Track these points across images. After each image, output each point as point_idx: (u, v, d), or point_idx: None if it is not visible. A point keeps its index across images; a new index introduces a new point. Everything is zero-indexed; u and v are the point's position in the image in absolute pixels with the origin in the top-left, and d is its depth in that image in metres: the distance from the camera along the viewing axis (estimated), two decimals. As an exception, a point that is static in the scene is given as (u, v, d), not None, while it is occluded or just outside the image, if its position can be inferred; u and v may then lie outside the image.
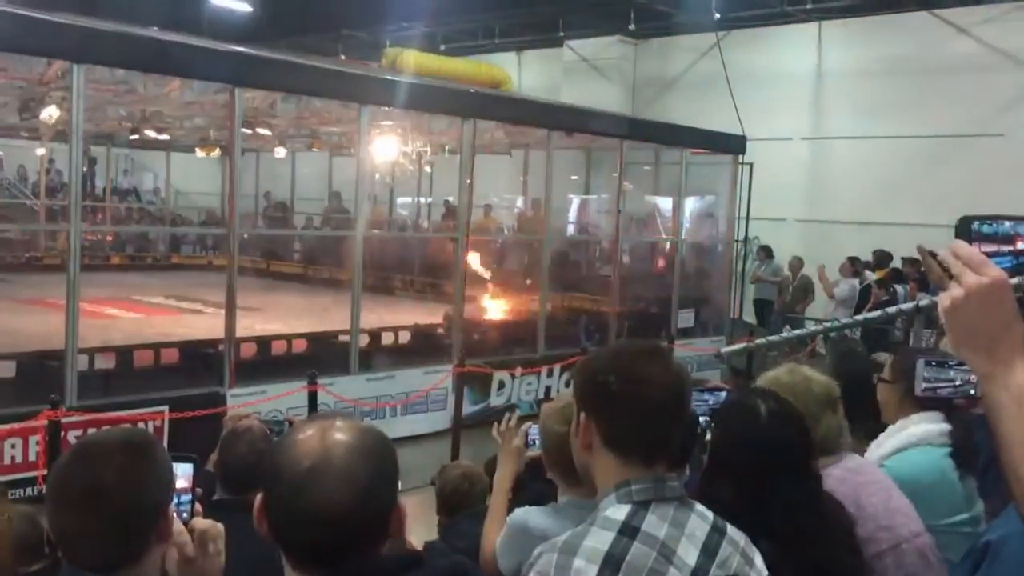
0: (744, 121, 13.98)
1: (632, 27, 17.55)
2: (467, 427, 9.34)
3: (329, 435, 1.43)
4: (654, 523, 1.69)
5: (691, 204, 14.69)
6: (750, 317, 15.63)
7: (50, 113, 10.61)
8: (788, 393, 2.46)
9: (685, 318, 13.56)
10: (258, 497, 1.46)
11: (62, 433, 6.58)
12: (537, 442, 2.92)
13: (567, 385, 10.97)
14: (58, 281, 7.95)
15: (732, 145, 14.03)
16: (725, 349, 8.71)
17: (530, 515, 2.52)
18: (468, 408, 9.83)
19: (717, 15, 15.46)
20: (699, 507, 1.78)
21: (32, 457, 6.79)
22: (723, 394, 3.00)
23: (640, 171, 15.28)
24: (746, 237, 15.83)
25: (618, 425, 1.77)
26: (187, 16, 18.19)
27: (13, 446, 6.78)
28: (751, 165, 14.91)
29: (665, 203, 15.06)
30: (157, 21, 12.53)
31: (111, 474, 1.65)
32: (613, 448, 1.77)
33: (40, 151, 19.00)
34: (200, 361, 9.23)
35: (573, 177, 16.65)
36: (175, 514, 1.75)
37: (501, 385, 10.71)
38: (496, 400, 10.64)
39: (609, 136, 12.91)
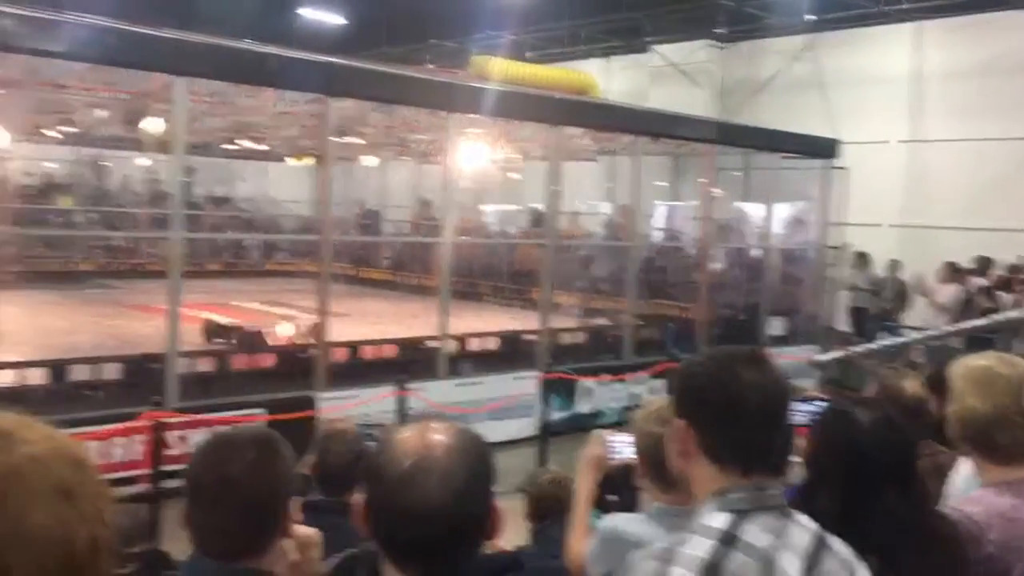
0: (837, 125, 13.66)
1: (720, 30, 17.33)
2: (554, 434, 9.35)
3: (429, 435, 1.46)
4: (754, 533, 1.66)
5: (782, 210, 14.40)
6: (844, 325, 15.23)
7: (153, 125, 11.01)
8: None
9: (776, 325, 13.30)
10: (359, 496, 1.50)
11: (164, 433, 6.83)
12: (619, 451, 2.88)
13: (654, 393, 10.88)
14: (159, 287, 8.25)
15: (824, 149, 13.71)
16: (819, 357, 8.59)
17: (623, 522, 2.51)
18: (555, 415, 9.82)
19: (809, 17, 15.14)
20: (801, 517, 1.74)
21: (136, 456, 7.05)
22: (821, 403, 2.93)
23: (729, 176, 15.06)
24: (840, 243, 15.44)
25: (717, 432, 1.74)
26: (280, 28, 18.75)
27: (119, 445, 7.06)
28: (845, 169, 14.55)
29: (755, 209, 14.79)
30: (251, 34, 12.95)
31: (242, 467, 1.75)
32: (711, 455, 1.74)
33: (143, 161, 19.78)
34: (294, 365, 9.44)
35: (660, 183, 16.51)
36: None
37: (587, 392, 10.67)
38: (582, 407, 10.61)
39: (698, 141, 12.77)
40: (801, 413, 2.75)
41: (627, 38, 18.79)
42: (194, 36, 8.55)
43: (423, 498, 1.39)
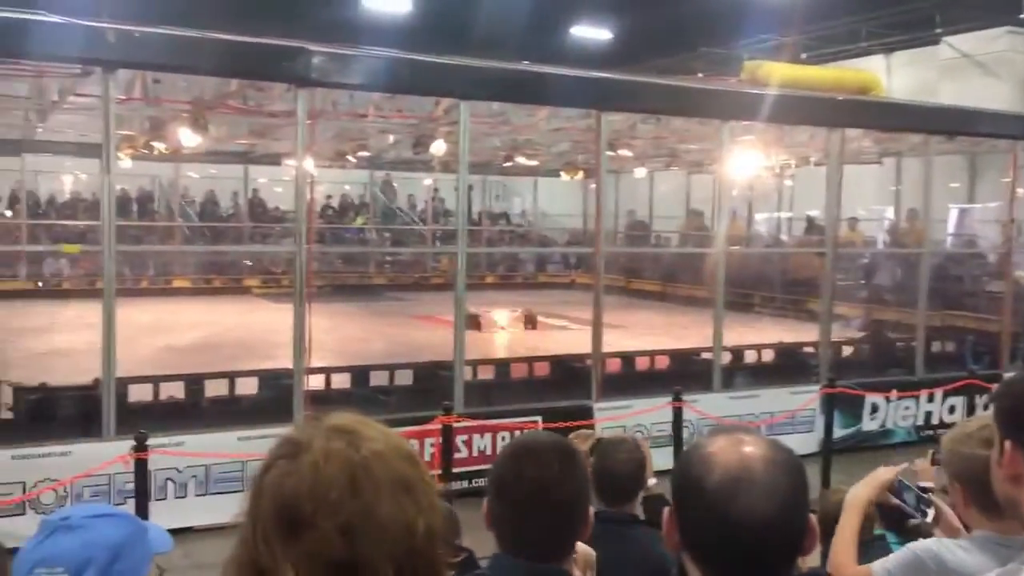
0: None
1: (1023, 16, 15.76)
2: (837, 451, 8.88)
3: (744, 448, 1.43)
4: None
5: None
6: None
7: (438, 147, 11.72)
8: None
9: (1097, 339, 11.81)
10: (667, 510, 1.50)
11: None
12: (904, 496, 2.66)
13: (951, 412, 10.05)
14: (441, 299, 8.81)
15: None
16: None
17: (945, 547, 2.33)
18: (838, 431, 9.33)
19: None
20: None
21: (427, 457, 7.52)
22: None
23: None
24: None
25: None
26: (551, 46, 19.34)
27: (411, 447, 7.54)
28: None
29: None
30: (524, 54, 13.44)
31: (554, 474, 1.84)
32: None
33: (427, 181, 21.14)
34: (569, 374, 9.67)
35: (954, 184, 15.25)
36: None
37: (874, 409, 10.04)
38: (869, 424, 10.00)
39: (999, 137, 11.67)
40: None
41: (915, 31, 17.55)
42: (477, 61, 9.02)
43: (748, 510, 1.36)
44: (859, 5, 17.25)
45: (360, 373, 9.20)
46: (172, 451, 6.81)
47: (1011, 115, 12.62)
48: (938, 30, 17.22)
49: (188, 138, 10.51)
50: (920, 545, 2.40)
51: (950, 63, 17.55)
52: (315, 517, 1.09)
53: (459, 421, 7.55)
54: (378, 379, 9.15)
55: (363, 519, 1.09)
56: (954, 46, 17.49)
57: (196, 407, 8.18)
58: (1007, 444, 1.65)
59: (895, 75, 18.88)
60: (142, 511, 5.93)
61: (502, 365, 9.86)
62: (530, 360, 10.13)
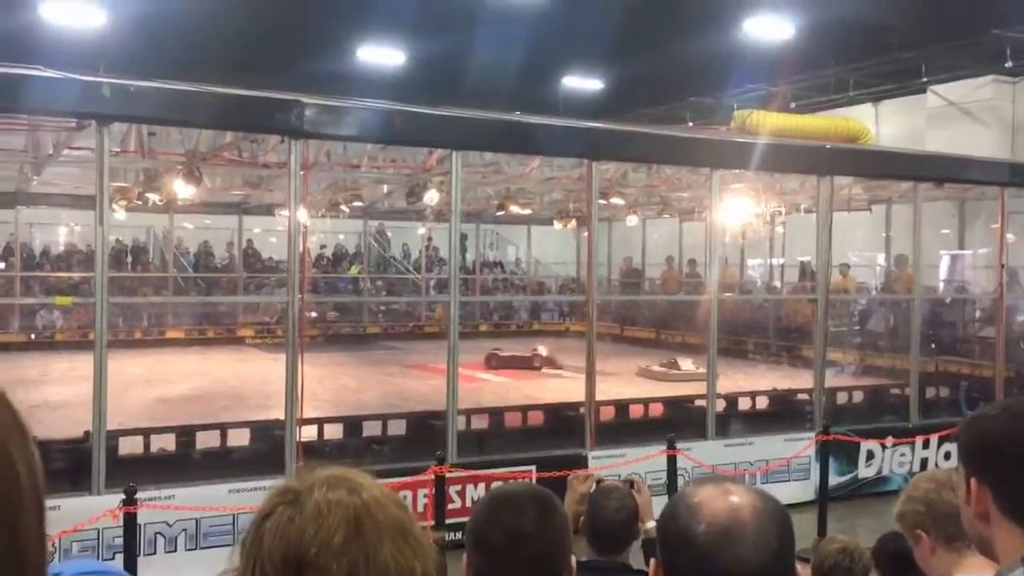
0: None
1: (1009, 64, 16.01)
2: (833, 499, 8.83)
3: (731, 497, 1.42)
4: None
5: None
6: None
7: (431, 196, 11.81)
8: None
9: (1093, 385, 11.83)
10: (653, 562, 1.49)
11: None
12: None
13: (946, 458, 10.00)
14: (435, 348, 8.81)
15: None
16: None
17: None
18: (834, 478, 9.28)
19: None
20: None
21: (420, 508, 7.45)
22: None
23: (1024, 220, 13.76)
24: None
25: (1019, 492, 1.59)
26: (543, 96, 19.56)
27: (404, 497, 7.48)
28: None
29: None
30: (516, 105, 13.62)
31: (530, 523, 1.81)
32: (1014, 517, 1.59)
33: (420, 230, 21.24)
34: (563, 423, 9.62)
35: (944, 231, 15.37)
36: None
37: (870, 456, 10.00)
38: (865, 471, 9.95)
39: (987, 184, 11.80)
40: None
41: (902, 80, 17.80)
42: (469, 112, 9.13)
43: (737, 561, 1.35)
44: (847, 55, 17.50)
45: (353, 423, 9.14)
46: (162, 505, 6.74)
47: (998, 162, 12.77)
48: (925, 79, 17.46)
49: (182, 189, 10.59)
50: None
51: (937, 111, 17.78)
52: (319, 559, 1.09)
53: (452, 471, 7.49)
54: (371, 429, 9.09)
55: (366, 562, 1.10)
56: (941, 94, 17.73)
57: (187, 459, 8.11)
58: (972, 482, 1.65)
59: (883, 123, 19.12)
60: (131, 567, 5.85)
61: (496, 414, 9.82)
62: (524, 409, 10.08)
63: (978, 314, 14.03)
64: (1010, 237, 12.12)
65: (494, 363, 14.12)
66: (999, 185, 11.46)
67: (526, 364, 14.41)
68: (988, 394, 11.41)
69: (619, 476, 4.32)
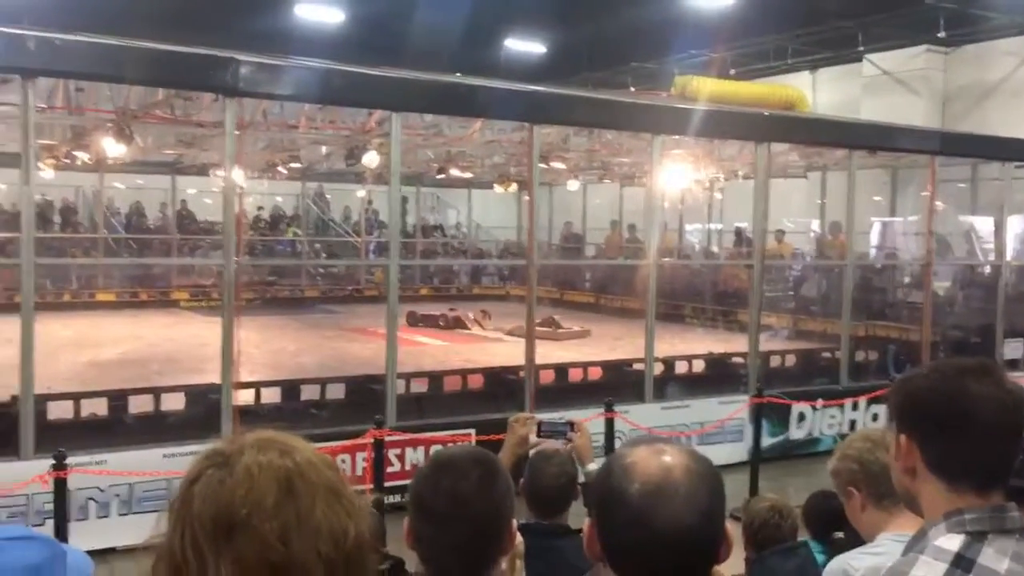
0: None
1: (942, 35, 16.32)
2: (765, 460, 9.04)
3: (664, 457, 1.44)
4: (992, 556, 1.54)
5: (1017, 223, 13.30)
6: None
7: (371, 158, 11.65)
8: None
9: (1013, 348, 12.24)
10: (587, 522, 1.50)
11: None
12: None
13: (874, 419, 10.30)
14: (374, 311, 8.76)
15: (1064, 155, 12.56)
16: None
17: (849, 558, 2.39)
18: (766, 440, 9.50)
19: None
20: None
21: (359, 472, 7.43)
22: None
23: (954, 189, 14.11)
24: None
25: (945, 449, 1.63)
26: (485, 60, 19.39)
27: (343, 461, 7.46)
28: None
29: (984, 223, 13.75)
30: (458, 67, 13.48)
31: (471, 486, 1.81)
32: (940, 474, 1.63)
33: (360, 193, 21.00)
34: (502, 386, 9.66)
35: (876, 198, 15.71)
36: None
37: (801, 417, 10.25)
38: (796, 433, 10.20)
39: (918, 152, 12.06)
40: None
41: (838, 48, 18.04)
42: (409, 73, 9.00)
43: (671, 519, 1.37)
44: (786, 23, 17.66)
45: (291, 387, 9.06)
46: (94, 470, 6.62)
47: (929, 131, 13.07)
48: (861, 48, 17.73)
49: (113, 148, 10.27)
50: (834, 563, 2.45)
51: (872, 80, 18.10)
52: (251, 521, 1.08)
53: (391, 434, 7.48)
54: (310, 393, 9.02)
55: (298, 523, 1.10)
56: (876, 63, 18.04)
57: (119, 424, 7.96)
58: (902, 438, 1.69)
59: (820, 91, 19.40)
60: (61, 533, 5.75)
61: (436, 377, 9.81)
62: (464, 372, 10.10)
63: (907, 280, 14.40)
64: (939, 205, 12.43)
65: (410, 321, 15.12)
66: (930, 153, 11.72)
67: (434, 323, 15.54)
68: (915, 357, 11.75)
69: (561, 418, 4.36)
